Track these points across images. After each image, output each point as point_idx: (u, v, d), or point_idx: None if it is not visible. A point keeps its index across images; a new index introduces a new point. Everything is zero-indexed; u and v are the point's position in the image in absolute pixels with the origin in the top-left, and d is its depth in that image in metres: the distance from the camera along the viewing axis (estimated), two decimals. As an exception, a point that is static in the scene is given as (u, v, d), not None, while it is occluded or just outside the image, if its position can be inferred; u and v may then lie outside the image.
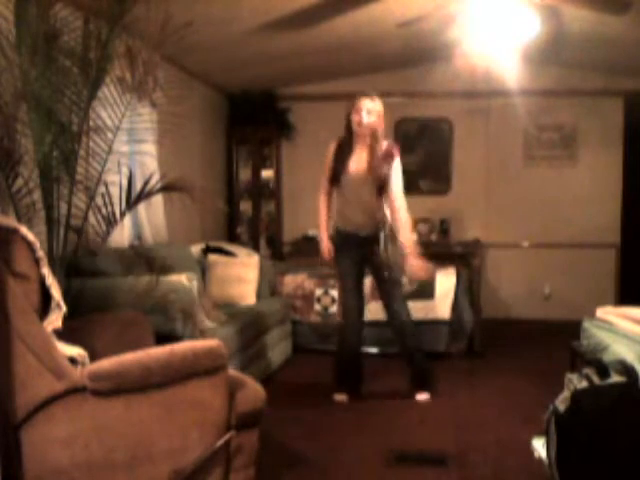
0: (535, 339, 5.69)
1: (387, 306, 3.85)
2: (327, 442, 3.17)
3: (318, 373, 4.42)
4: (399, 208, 3.66)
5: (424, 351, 4.00)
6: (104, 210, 2.84)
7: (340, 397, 3.86)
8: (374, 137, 3.67)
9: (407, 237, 3.69)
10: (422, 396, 3.84)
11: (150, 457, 1.94)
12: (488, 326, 5.29)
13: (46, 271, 2.11)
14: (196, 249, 4.96)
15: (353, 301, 3.87)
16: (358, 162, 3.71)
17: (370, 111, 3.64)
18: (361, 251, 3.80)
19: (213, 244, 5.18)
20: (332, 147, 3.81)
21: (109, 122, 2.82)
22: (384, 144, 3.70)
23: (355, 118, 3.67)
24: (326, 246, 3.87)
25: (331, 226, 3.92)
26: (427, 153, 6.55)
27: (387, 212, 3.76)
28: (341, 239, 3.85)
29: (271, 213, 6.71)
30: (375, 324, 4.39)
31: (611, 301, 6.00)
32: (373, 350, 4.82)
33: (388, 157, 3.66)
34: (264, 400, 2.25)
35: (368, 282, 4.97)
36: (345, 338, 3.93)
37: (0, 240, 1.99)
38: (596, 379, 2.34)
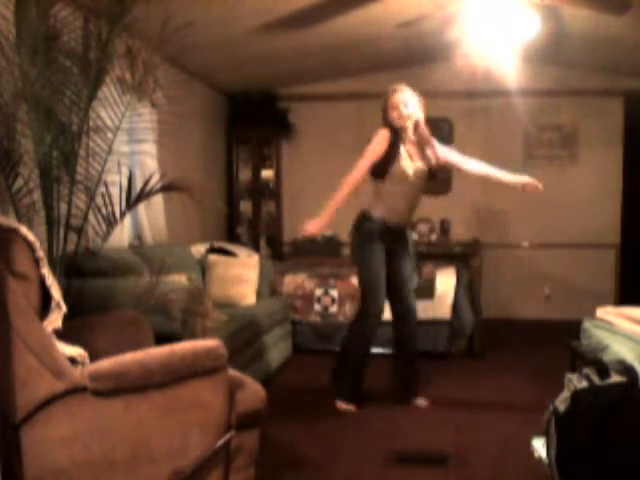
0: (535, 339, 5.69)
1: (402, 300, 3.71)
2: (327, 442, 3.17)
3: (318, 373, 4.41)
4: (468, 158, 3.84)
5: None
6: (104, 210, 2.83)
7: (348, 407, 3.66)
8: (417, 129, 3.59)
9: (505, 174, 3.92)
10: (422, 401, 3.74)
11: (150, 457, 1.94)
12: (488, 326, 5.29)
13: (46, 271, 2.11)
14: (199, 249, 4.97)
15: (382, 298, 3.64)
16: (408, 158, 3.60)
17: (407, 103, 3.56)
18: (391, 243, 3.65)
19: (218, 244, 5.18)
20: (385, 136, 3.56)
21: (109, 122, 2.82)
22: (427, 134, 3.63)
23: (394, 114, 3.57)
24: (318, 224, 3.51)
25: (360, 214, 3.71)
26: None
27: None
28: (376, 229, 3.61)
29: (271, 213, 6.72)
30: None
31: (611, 301, 6.01)
32: (380, 350, 4.69)
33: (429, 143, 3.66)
34: (264, 400, 2.25)
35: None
36: (366, 340, 3.71)
37: (0, 240, 1.99)
38: (596, 379, 2.34)
